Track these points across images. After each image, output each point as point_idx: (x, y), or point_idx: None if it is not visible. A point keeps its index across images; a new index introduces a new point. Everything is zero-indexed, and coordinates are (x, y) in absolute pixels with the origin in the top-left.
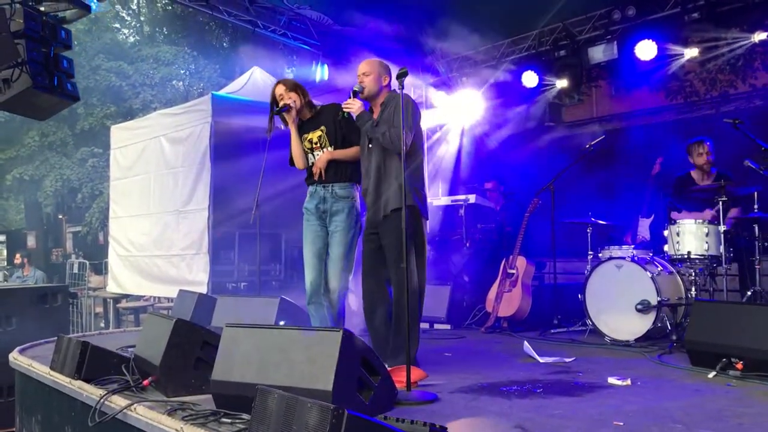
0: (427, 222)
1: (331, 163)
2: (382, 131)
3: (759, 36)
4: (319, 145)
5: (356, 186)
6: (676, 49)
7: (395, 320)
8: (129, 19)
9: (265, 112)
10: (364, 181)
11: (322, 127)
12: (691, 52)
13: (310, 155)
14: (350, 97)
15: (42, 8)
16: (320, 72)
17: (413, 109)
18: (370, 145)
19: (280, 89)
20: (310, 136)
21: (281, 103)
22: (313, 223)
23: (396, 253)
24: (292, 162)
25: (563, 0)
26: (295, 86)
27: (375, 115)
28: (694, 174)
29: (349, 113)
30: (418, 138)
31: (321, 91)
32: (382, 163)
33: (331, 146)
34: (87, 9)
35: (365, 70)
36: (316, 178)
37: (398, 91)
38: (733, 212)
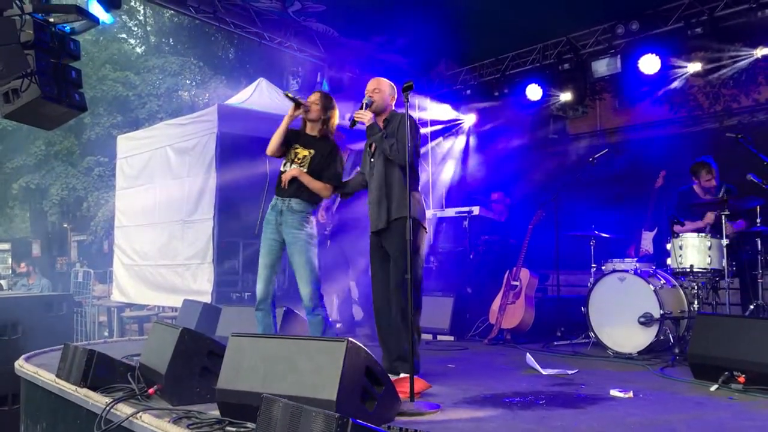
0: (426, 234)
1: (295, 181)
2: (390, 143)
3: (762, 51)
4: (300, 162)
5: (313, 209)
6: (679, 63)
7: (395, 330)
8: (136, 29)
9: (270, 123)
10: (369, 194)
11: (312, 150)
12: (694, 67)
13: (288, 164)
14: (361, 108)
15: (51, 20)
16: (324, 85)
17: (416, 128)
18: (372, 159)
19: (315, 96)
20: (299, 149)
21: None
22: (270, 235)
23: (400, 261)
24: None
25: (567, 14)
26: (326, 102)
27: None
28: (697, 188)
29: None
30: (416, 155)
31: None
32: (384, 176)
33: (306, 169)
34: (96, 21)
35: (376, 87)
36: (284, 184)
37: (399, 111)
38: (739, 222)
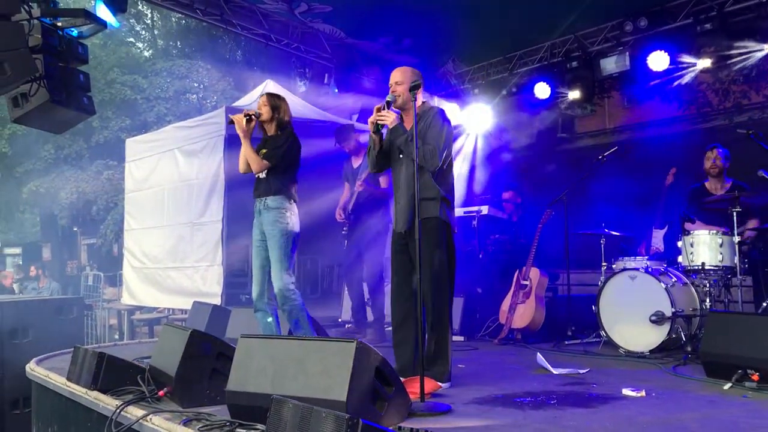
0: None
1: (264, 181)
2: (423, 150)
3: None
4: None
5: (288, 200)
6: (688, 59)
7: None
8: (144, 33)
9: None
10: (395, 192)
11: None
12: (703, 63)
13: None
14: (383, 108)
15: (59, 24)
16: (332, 86)
17: (449, 128)
18: (401, 156)
19: (262, 99)
20: (262, 151)
21: (256, 110)
22: (256, 237)
23: (425, 262)
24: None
25: (575, 12)
26: (272, 101)
27: (407, 125)
28: (709, 185)
29: None
30: (448, 154)
31: (332, 104)
32: (413, 175)
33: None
34: (104, 25)
35: (398, 79)
36: (237, 119)
37: (431, 104)
38: (752, 224)
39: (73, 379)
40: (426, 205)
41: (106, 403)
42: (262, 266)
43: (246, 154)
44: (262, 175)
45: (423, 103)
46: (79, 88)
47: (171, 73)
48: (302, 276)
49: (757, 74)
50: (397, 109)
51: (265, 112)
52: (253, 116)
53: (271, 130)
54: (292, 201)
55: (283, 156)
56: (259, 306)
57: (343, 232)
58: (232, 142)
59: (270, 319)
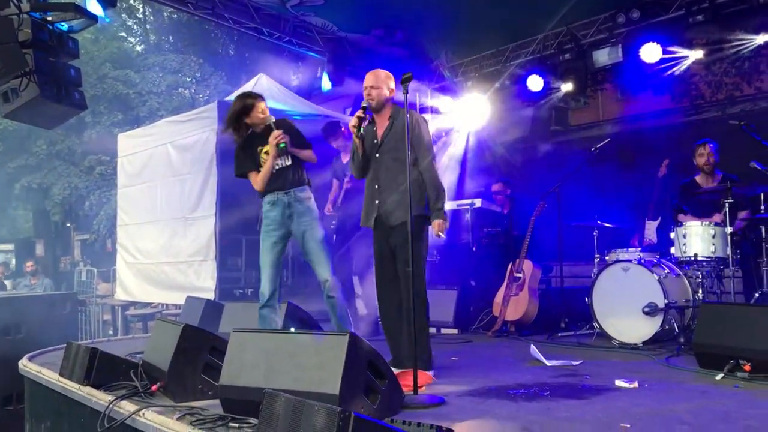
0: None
1: (289, 171)
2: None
3: (764, 37)
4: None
5: (310, 187)
6: (681, 51)
7: (404, 324)
8: (135, 27)
9: None
10: (372, 187)
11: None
12: (696, 54)
13: (279, 159)
14: (361, 111)
15: (50, 18)
16: (326, 79)
17: (426, 127)
18: (378, 155)
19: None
20: (264, 148)
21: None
22: (274, 232)
23: (407, 256)
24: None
25: (568, 4)
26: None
27: (381, 128)
28: (699, 179)
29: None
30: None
31: (325, 99)
32: (392, 172)
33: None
34: (94, 19)
35: (372, 83)
36: (275, 139)
37: (401, 104)
38: (742, 214)
39: (66, 375)
40: (406, 202)
41: (98, 398)
42: (277, 263)
43: (300, 153)
44: (287, 162)
45: (393, 105)
46: (70, 83)
47: (163, 67)
48: (294, 270)
49: (749, 66)
50: (371, 111)
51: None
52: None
53: (258, 128)
54: (310, 187)
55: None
56: (270, 303)
57: (332, 227)
58: (224, 137)
59: (276, 317)
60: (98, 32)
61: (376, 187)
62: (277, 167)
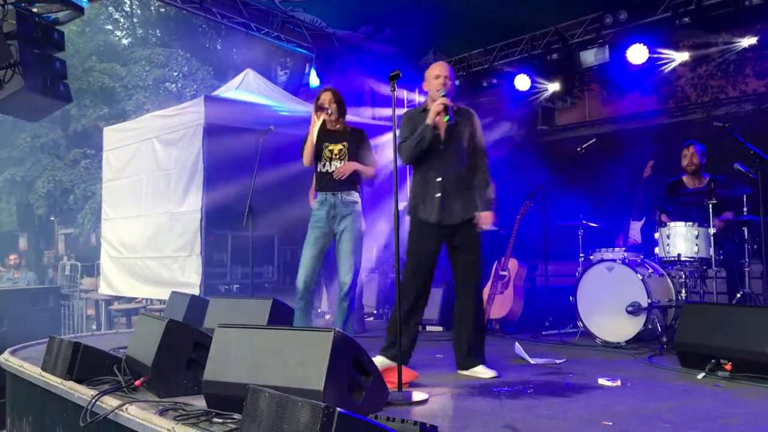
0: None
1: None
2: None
3: (749, 40)
4: (338, 156)
5: (359, 193)
6: (667, 53)
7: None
8: (122, 20)
9: (258, 115)
10: (432, 180)
11: (345, 143)
12: (682, 56)
13: (327, 163)
14: (448, 103)
15: (35, 9)
16: (314, 76)
17: None
18: (442, 147)
19: (327, 96)
20: (331, 146)
21: (322, 104)
22: (319, 228)
23: (476, 256)
24: (302, 154)
25: (555, 4)
26: (337, 97)
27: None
28: (686, 179)
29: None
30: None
31: (313, 95)
32: (456, 168)
33: (347, 159)
34: (80, 11)
35: (447, 73)
36: (337, 176)
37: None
38: (727, 215)
39: (48, 369)
40: (474, 200)
41: (81, 393)
42: (318, 257)
43: (364, 171)
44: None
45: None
46: (55, 75)
47: (150, 61)
48: (282, 267)
49: (734, 69)
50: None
51: (334, 110)
52: (323, 110)
53: (335, 125)
54: (361, 195)
55: (374, 158)
56: (306, 295)
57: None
58: (211, 132)
59: (311, 310)
60: (84, 24)
61: (439, 180)
62: (328, 170)
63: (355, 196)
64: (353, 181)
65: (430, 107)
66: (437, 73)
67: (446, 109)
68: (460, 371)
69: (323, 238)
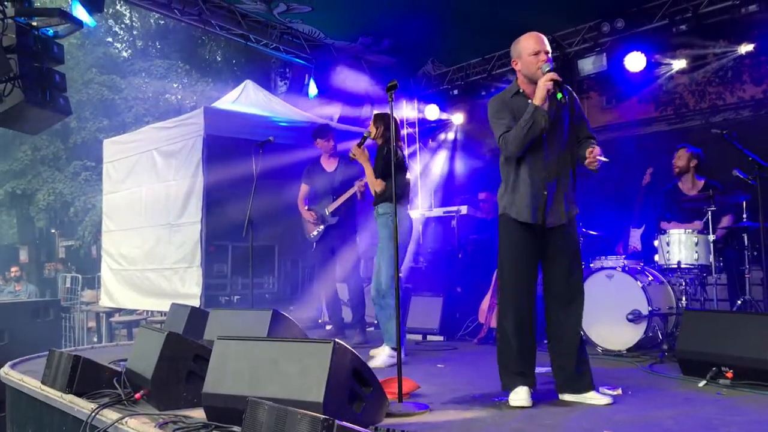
0: None
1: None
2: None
3: (745, 48)
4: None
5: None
6: (665, 60)
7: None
8: (122, 33)
9: (257, 126)
10: (539, 174)
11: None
12: (679, 64)
13: None
14: (558, 78)
15: (34, 23)
16: (312, 86)
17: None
18: (546, 135)
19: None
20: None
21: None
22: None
23: (576, 262)
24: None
25: (553, 13)
26: (379, 121)
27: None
28: (681, 185)
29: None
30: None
31: (312, 105)
32: (562, 161)
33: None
34: (80, 25)
35: (547, 48)
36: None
37: None
38: (725, 221)
39: (48, 383)
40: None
41: (81, 406)
42: (376, 265)
43: (366, 172)
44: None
45: None
46: (54, 88)
47: (150, 73)
48: (282, 277)
49: (732, 76)
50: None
51: (371, 129)
52: (366, 138)
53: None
54: (399, 205)
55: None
56: (375, 300)
57: (314, 235)
58: (210, 143)
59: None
60: (84, 37)
61: (545, 174)
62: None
63: (386, 207)
64: (385, 195)
65: (524, 88)
66: (535, 49)
67: (557, 84)
68: (563, 396)
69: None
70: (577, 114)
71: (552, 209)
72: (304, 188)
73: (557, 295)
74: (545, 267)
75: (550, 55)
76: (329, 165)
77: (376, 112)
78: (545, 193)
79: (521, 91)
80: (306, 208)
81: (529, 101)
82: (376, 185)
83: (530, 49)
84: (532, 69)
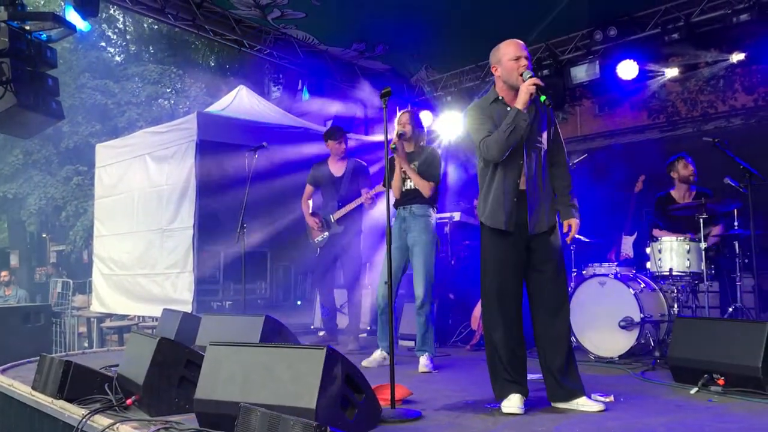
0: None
1: (413, 191)
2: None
3: (737, 56)
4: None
5: (432, 208)
6: (657, 68)
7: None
8: (115, 37)
9: (250, 131)
10: (515, 181)
11: (416, 162)
12: (671, 72)
13: (407, 181)
14: (539, 87)
15: (27, 27)
16: (305, 92)
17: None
18: (525, 142)
19: (405, 118)
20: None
21: (399, 130)
22: (394, 243)
23: (560, 267)
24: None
25: (546, 20)
26: (412, 119)
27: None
28: (674, 193)
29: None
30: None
31: (305, 111)
32: (540, 168)
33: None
34: (73, 29)
35: (527, 53)
36: (397, 149)
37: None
38: (716, 230)
39: (39, 389)
40: (553, 208)
41: (72, 412)
42: (397, 271)
43: (414, 178)
44: (411, 186)
45: None
46: (47, 92)
47: (143, 78)
48: (274, 283)
49: (724, 85)
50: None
51: (408, 132)
52: (400, 137)
53: (410, 146)
54: (435, 208)
55: (437, 176)
56: (385, 309)
57: (319, 240)
58: (203, 148)
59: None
60: (77, 41)
61: (522, 181)
62: (404, 188)
63: (426, 209)
64: (424, 197)
65: (503, 95)
66: (515, 55)
67: (540, 89)
68: (555, 404)
69: (397, 251)
70: (554, 130)
71: (533, 217)
72: (308, 189)
73: (543, 303)
74: (529, 276)
75: (530, 61)
76: (337, 169)
77: (405, 111)
78: (523, 200)
79: (500, 98)
80: (310, 212)
81: (509, 108)
82: (426, 188)
83: (510, 55)
84: (512, 75)
